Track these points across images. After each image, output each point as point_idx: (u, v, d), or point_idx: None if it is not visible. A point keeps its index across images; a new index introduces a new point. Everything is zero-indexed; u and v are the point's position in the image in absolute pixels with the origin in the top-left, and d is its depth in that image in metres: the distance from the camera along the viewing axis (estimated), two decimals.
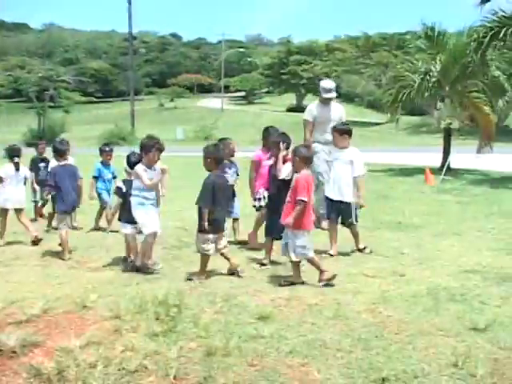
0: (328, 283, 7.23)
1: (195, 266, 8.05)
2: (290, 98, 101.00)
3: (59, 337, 5.45)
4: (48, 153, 12.32)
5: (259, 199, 9.34)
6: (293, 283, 7.28)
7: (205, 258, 7.75)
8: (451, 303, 6.49)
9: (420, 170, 22.25)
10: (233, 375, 4.65)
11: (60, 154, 9.79)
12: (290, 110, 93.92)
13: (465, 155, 24.45)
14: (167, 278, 7.72)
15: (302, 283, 7.30)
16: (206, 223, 7.54)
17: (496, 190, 17.91)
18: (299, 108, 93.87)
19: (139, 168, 8.15)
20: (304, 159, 7.55)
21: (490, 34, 19.77)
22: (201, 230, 7.69)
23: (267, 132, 9.64)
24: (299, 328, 5.67)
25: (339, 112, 11.46)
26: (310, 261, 7.47)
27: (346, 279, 7.49)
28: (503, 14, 20.29)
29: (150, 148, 8.22)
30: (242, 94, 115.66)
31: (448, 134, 25.01)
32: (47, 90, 76.67)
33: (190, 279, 7.55)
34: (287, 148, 8.46)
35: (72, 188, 9.54)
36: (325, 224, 10.30)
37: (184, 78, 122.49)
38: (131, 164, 8.41)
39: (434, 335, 5.49)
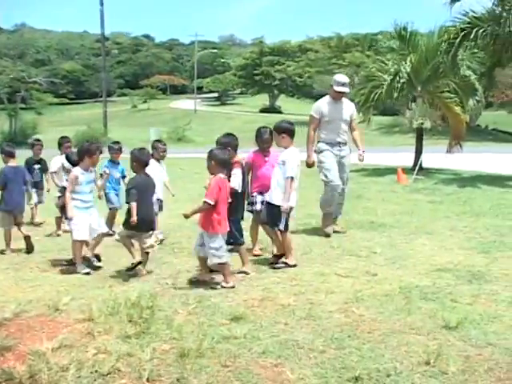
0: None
1: (168, 268, 8.07)
2: (263, 99, 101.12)
3: (31, 340, 5.40)
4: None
5: (252, 203, 9.19)
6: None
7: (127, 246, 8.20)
8: (423, 302, 6.53)
9: (392, 170, 22.37)
10: (206, 376, 4.64)
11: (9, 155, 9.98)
12: (263, 110, 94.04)
13: (437, 155, 24.61)
14: (140, 280, 7.70)
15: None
16: (135, 218, 7.79)
17: (468, 189, 18.05)
18: (272, 109, 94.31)
19: (76, 171, 8.40)
20: (219, 162, 7.48)
21: (461, 34, 19.97)
22: (124, 224, 8.11)
23: (259, 132, 9.29)
24: (272, 328, 5.68)
25: (350, 111, 10.85)
26: (221, 266, 7.34)
27: (318, 279, 7.50)
28: (474, 14, 20.50)
29: (95, 151, 8.52)
30: (215, 95, 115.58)
31: (420, 134, 25.17)
32: (19, 91, 75.99)
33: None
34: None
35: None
36: (329, 229, 10.60)
37: (157, 79, 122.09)
38: (73, 163, 8.59)
39: (407, 334, 5.52)
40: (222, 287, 7.15)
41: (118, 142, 11.65)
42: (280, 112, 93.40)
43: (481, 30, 19.66)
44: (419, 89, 24.36)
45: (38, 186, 12.36)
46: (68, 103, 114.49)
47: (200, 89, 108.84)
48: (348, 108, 10.77)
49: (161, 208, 10.12)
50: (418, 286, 7.11)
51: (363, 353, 5.05)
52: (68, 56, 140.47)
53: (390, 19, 24.95)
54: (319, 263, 8.47)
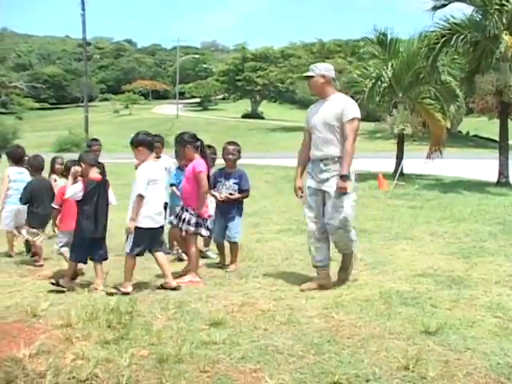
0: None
1: (148, 274, 8.05)
2: (246, 105, 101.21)
3: (8, 346, 5.35)
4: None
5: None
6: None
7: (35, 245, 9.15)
8: (403, 307, 6.53)
9: (373, 176, 22.44)
10: (185, 382, 4.61)
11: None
12: (245, 116, 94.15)
13: (418, 160, 24.73)
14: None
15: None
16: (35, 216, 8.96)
17: (448, 194, 18.17)
18: (254, 114, 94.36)
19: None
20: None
21: (442, 40, 20.10)
22: (30, 224, 9.12)
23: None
24: (251, 334, 5.66)
25: (336, 109, 7.26)
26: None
27: (298, 284, 7.49)
28: (454, 21, 20.65)
29: None
30: (198, 100, 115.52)
31: (401, 140, 25.32)
32: None
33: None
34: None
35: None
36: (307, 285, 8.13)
37: (139, 84, 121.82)
38: None
39: (386, 339, 5.52)
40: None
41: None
42: (262, 118, 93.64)
43: (461, 37, 19.81)
44: (400, 95, 24.53)
45: None
46: (49, 108, 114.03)
47: (182, 94, 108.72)
48: (334, 106, 7.30)
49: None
50: (398, 291, 7.11)
51: (342, 358, 5.04)
52: (49, 60, 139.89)
53: (371, 26, 25.11)
54: (300, 268, 8.48)
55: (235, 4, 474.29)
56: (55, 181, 10.58)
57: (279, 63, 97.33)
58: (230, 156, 8.67)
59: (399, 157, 24.78)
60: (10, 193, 9.73)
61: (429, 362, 4.91)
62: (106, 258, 7.90)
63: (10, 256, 9.78)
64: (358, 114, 7.31)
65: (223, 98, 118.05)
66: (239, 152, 8.81)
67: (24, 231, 9.46)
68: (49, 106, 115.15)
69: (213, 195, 8.56)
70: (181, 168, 9.39)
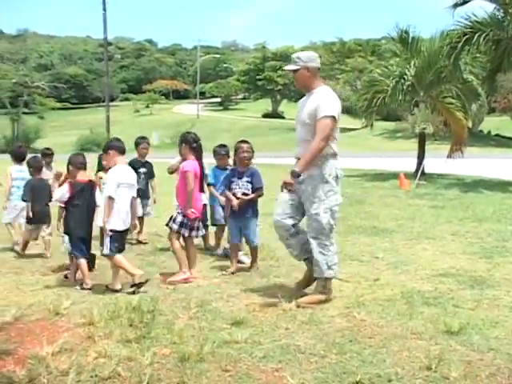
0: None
1: (169, 272, 8.07)
2: (266, 104, 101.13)
3: (31, 344, 5.39)
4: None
5: None
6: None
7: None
8: (425, 307, 6.51)
9: (395, 175, 22.38)
10: (206, 381, 4.62)
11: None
12: (265, 115, 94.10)
13: (439, 160, 24.58)
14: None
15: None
16: (30, 213, 9.28)
17: (470, 194, 18.07)
18: (275, 114, 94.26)
19: None
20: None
21: (463, 39, 19.98)
22: (27, 220, 9.49)
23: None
24: (273, 333, 5.66)
25: (311, 106, 6.70)
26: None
27: None
28: (476, 19, 20.51)
29: None
30: (218, 100, 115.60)
31: (422, 139, 25.18)
32: (21, 95, 76.28)
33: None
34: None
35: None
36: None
37: (160, 84, 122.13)
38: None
39: (408, 339, 5.49)
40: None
41: (225, 146, 9.96)
42: (283, 117, 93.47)
43: (483, 35, 19.67)
44: (422, 94, 24.39)
45: (144, 194, 10.57)
46: (71, 108, 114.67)
47: (203, 94, 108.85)
48: (311, 103, 6.74)
49: None
50: (419, 291, 7.09)
51: (364, 358, 5.02)
52: (71, 61, 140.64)
53: (393, 24, 24.98)
54: None
55: (255, 3, 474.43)
56: (101, 178, 10.63)
57: None
58: (246, 154, 8.55)
59: (420, 156, 24.65)
60: (12, 190, 10.16)
61: (451, 363, 4.88)
62: (87, 257, 7.92)
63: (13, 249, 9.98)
64: (332, 112, 6.54)
65: (244, 98, 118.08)
66: (253, 150, 8.74)
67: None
68: (70, 105, 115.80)
69: (228, 198, 8.52)
70: (219, 167, 9.55)
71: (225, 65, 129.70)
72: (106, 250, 7.44)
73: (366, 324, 5.93)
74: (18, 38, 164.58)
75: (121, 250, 7.61)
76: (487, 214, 13.67)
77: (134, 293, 7.11)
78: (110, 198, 7.33)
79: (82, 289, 7.44)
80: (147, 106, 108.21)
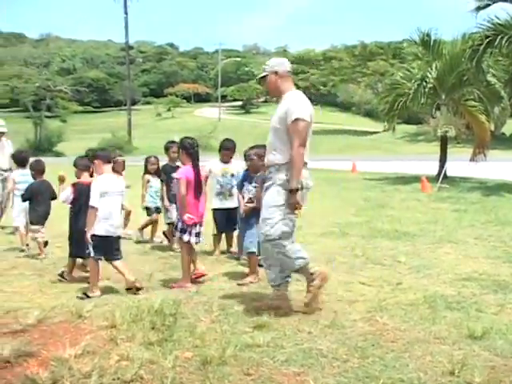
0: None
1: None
2: None
3: (54, 346, 5.41)
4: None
5: None
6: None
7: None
8: (448, 311, 6.47)
9: (417, 179, 22.29)
10: None
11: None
12: None
13: (461, 163, 24.46)
14: (163, 288, 7.72)
15: None
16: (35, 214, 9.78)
17: (493, 197, 17.94)
18: None
19: None
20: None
21: (486, 41, 19.85)
22: (31, 221, 9.97)
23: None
24: (295, 337, 5.64)
25: (281, 111, 6.44)
26: None
27: (342, 288, 7.47)
28: (498, 21, 20.38)
29: None
30: (240, 103, 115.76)
31: (444, 142, 25.06)
32: (44, 99, 76.84)
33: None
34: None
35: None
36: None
37: (181, 87, 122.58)
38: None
39: (431, 343, 5.46)
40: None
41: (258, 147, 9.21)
42: None
43: (505, 37, 19.54)
44: (443, 97, 24.29)
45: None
46: (93, 111, 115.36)
47: (224, 97, 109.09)
48: (281, 107, 6.50)
49: None
50: (442, 295, 7.04)
51: (387, 362, 5.00)
52: (93, 64, 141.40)
53: (414, 27, 24.90)
54: (343, 272, 8.43)
55: (276, 7, 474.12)
56: (148, 181, 11.12)
57: (321, 66, 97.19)
58: (249, 161, 8.58)
59: (442, 159, 24.54)
60: (16, 193, 10.74)
61: (475, 368, 4.84)
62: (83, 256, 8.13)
63: (23, 250, 10.31)
64: (303, 115, 6.22)
65: (265, 101, 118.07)
66: (260, 156, 8.48)
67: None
68: (92, 109, 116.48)
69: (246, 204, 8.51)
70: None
71: (246, 68, 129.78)
72: (92, 253, 7.55)
73: (388, 328, 5.91)
74: (41, 43, 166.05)
75: (101, 257, 7.66)
76: (510, 218, 13.57)
77: (82, 298, 7.27)
78: (92, 208, 7.46)
79: (88, 297, 7.41)
80: (169, 110, 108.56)
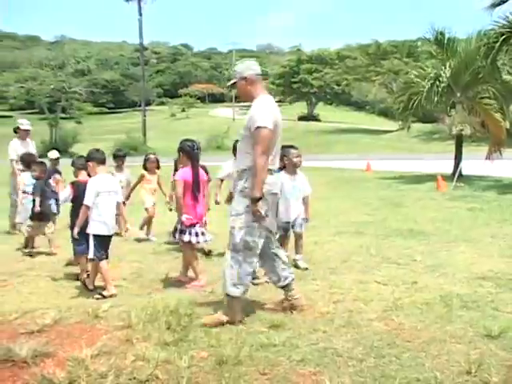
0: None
1: (209, 275, 8.10)
2: (302, 107, 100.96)
3: (71, 347, 5.44)
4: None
5: None
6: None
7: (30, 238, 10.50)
8: (464, 310, 6.44)
9: (432, 177, 22.19)
10: None
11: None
12: (301, 118, 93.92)
13: (477, 162, 24.31)
14: (179, 288, 7.74)
15: None
16: (38, 208, 10.14)
17: (509, 196, 17.81)
18: (310, 117, 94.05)
19: None
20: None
21: (501, 38, 19.72)
22: (31, 218, 10.37)
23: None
24: (311, 336, 5.64)
25: (248, 116, 6.31)
26: None
27: (358, 287, 7.45)
28: None
29: None
30: None
31: (459, 141, 24.92)
32: (59, 101, 77.10)
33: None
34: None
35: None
36: None
37: (195, 87, 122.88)
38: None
39: (447, 342, 5.44)
40: None
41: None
42: (318, 120, 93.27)
43: None
44: (458, 95, 24.14)
45: None
46: (107, 112, 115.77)
47: (238, 97, 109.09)
48: (249, 113, 6.36)
49: None
50: (458, 295, 7.01)
51: (403, 361, 4.98)
52: (107, 66, 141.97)
53: (428, 26, 24.78)
54: (358, 271, 8.42)
55: (290, 6, 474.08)
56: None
57: (335, 65, 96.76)
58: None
59: (458, 158, 24.41)
60: (24, 194, 11.21)
61: (491, 367, 4.82)
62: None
63: (31, 254, 10.44)
64: (265, 123, 6.00)
65: (279, 101, 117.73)
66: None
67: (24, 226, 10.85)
68: (107, 110, 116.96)
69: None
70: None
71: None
72: (91, 255, 7.79)
73: (404, 327, 5.89)
74: (56, 45, 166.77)
75: (106, 256, 7.88)
76: None
77: (97, 299, 7.40)
78: (86, 206, 7.75)
79: (103, 297, 7.54)
80: (183, 110, 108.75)
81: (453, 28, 25.49)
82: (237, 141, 9.05)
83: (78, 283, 8.11)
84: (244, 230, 6.10)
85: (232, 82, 6.54)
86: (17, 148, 12.66)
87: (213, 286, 7.69)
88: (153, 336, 5.65)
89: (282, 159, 8.52)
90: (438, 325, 5.94)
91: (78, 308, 6.71)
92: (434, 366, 4.90)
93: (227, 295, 6.21)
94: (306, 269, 8.50)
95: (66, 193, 8.70)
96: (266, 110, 6.17)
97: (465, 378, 4.66)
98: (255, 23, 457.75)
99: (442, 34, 24.35)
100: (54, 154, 12.66)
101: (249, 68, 6.42)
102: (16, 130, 13.01)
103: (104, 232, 7.79)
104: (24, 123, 13.09)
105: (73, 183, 8.58)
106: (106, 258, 7.84)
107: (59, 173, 12.06)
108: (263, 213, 5.98)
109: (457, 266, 8.60)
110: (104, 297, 7.43)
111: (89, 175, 8.25)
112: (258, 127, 5.99)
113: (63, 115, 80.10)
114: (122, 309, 6.63)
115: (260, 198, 5.93)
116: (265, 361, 5.02)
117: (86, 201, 7.71)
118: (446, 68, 23.71)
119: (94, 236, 7.73)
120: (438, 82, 23.25)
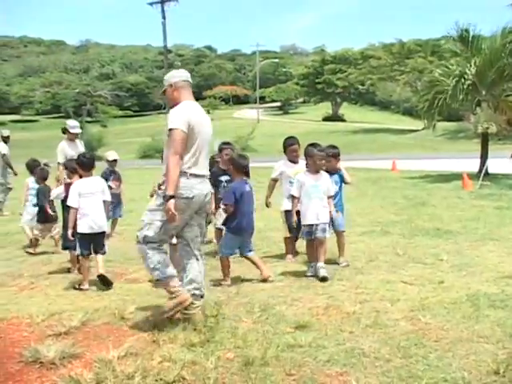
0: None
1: (232, 277, 8.11)
2: (326, 108, 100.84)
3: (98, 348, 5.49)
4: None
5: None
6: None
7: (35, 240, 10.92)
8: (491, 310, 6.38)
9: (458, 176, 22.03)
10: None
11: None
12: (326, 119, 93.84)
13: (503, 160, 24.11)
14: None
15: None
16: (51, 212, 10.71)
17: None
18: (335, 117, 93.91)
19: None
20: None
21: None
22: (38, 220, 10.88)
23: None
24: (337, 336, 5.62)
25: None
26: None
27: (384, 287, 7.42)
28: None
29: None
30: (278, 104, 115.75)
31: (485, 139, 24.72)
32: (85, 104, 77.77)
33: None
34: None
35: None
36: None
37: (220, 89, 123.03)
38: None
39: (475, 342, 5.39)
40: None
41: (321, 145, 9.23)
42: (343, 120, 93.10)
43: None
44: (484, 93, 23.94)
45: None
46: (132, 115, 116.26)
47: (263, 98, 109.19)
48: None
49: None
50: (485, 294, 6.95)
51: (430, 361, 4.95)
52: (132, 69, 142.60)
53: (452, 23, 24.61)
54: (384, 271, 8.39)
55: (313, 7, 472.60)
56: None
57: (359, 65, 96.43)
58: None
59: (483, 156, 24.21)
60: (29, 198, 11.56)
61: None
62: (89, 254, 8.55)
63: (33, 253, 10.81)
64: (176, 125, 6.19)
65: (304, 102, 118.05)
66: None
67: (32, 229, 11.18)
68: (132, 113, 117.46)
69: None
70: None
71: (284, 69, 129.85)
72: (78, 251, 8.43)
73: (431, 327, 5.85)
74: (81, 49, 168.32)
75: (89, 253, 8.34)
76: None
77: (75, 289, 8.01)
78: (72, 208, 8.24)
79: (80, 289, 8.00)
80: (208, 112, 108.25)
81: (477, 25, 25.08)
82: (289, 137, 9.24)
83: (104, 287, 8.14)
84: (148, 225, 6.26)
85: (162, 90, 6.83)
86: (65, 149, 12.44)
87: (239, 286, 7.71)
88: (179, 337, 5.67)
89: (306, 158, 8.59)
90: (465, 324, 5.90)
91: (104, 310, 6.76)
92: (461, 366, 4.86)
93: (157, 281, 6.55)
94: (324, 278, 8.00)
95: (58, 190, 9.49)
96: (179, 113, 6.36)
97: (493, 379, 4.62)
98: (279, 24, 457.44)
99: (466, 31, 24.15)
100: (112, 155, 12.39)
101: (173, 76, 6.71)
102: (64, 131, 12.89)
103: (86, 230, 8.20)
104: (73, 126, 12.89)
105: (66, 184, 9.05)
106: (90, 254, 8.30)
107: (117, 174, 12.21)
108: (175, 212, 5.99)
109: (484, 265, 8.53)
110: (80, 289, 7.94)
111: (81, 177, 8.57)
112: (170, 129, 6.25)
113: (88, 119, 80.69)
114: (148, 310, 6.67)
115: (172, 197, 5.99)
116: (291, 361, 5.01)
117: (69, 202, 8.28)
118: (470, 66, 23.51)
119: (78, 234, 8.23)
120: (462, 80, 23.07)
